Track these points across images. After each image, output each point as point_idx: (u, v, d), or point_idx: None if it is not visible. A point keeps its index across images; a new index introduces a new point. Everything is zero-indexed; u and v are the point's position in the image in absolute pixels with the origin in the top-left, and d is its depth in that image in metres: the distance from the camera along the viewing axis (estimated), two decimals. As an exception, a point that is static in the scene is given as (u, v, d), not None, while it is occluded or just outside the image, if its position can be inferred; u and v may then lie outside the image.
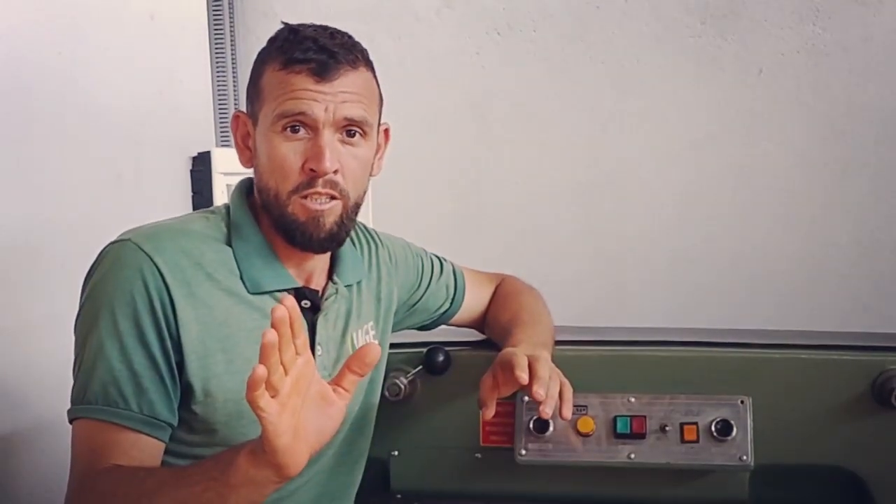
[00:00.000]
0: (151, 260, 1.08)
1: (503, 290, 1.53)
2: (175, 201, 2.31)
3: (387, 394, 1.37)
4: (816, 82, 2.57)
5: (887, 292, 2.56)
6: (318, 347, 1.21)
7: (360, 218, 1.29)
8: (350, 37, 1.18)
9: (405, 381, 1.40)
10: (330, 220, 1.14)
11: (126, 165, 2.04)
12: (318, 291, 1.23)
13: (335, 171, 1.12)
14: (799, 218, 2.62)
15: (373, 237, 1.39)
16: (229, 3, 2.65)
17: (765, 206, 2.62)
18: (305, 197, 1.13)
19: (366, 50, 1.19)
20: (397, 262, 1.40)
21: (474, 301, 1.51)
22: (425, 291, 1.45)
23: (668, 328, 1.60)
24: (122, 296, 1.07)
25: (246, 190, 1.24)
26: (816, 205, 2.60)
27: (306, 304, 1.20)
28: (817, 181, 2.60)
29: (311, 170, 1.12)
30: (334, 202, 1.14)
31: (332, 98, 1.12)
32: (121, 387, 1.06)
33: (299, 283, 1.20)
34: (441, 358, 1.40)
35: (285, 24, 1.18)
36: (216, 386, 1.11)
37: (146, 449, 1.08)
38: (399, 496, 1.47)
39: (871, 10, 2.52)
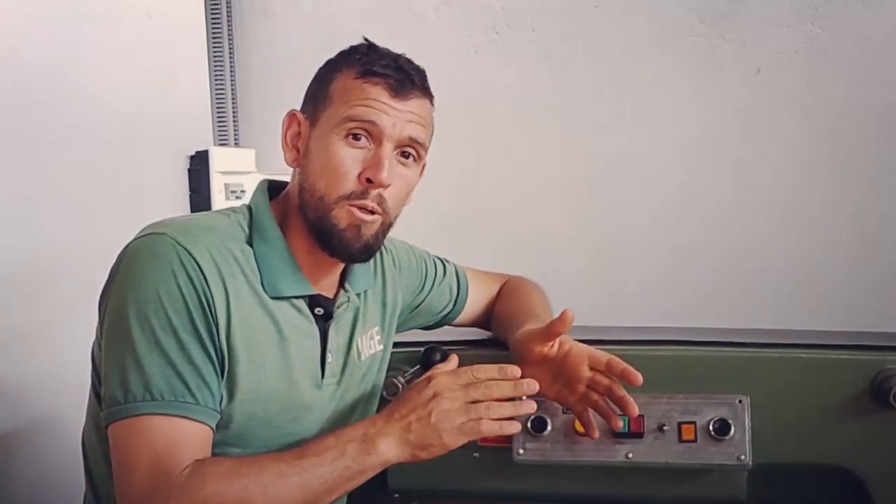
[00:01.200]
0: (190, 254, 1.07)
1: (511, 286, 1.53)
2: (172, 200, 2.31)
3: (384, 393, 1.37)
4: (815, 81, 2.57)
5: (886, 291, 2.56)
6: (328, 355, 1.21)
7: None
8: (423, 68, 1.21)
9: (403, 380, 1.39)
10: (368, 233, 1.15)
11: (123, 164, 2.04)
12: (331, 299, 1.23)
13: (387, 187, 1.14)
14: (798, 216, 2.62)
15: None
16: (227, 2, 2.65)
17: (763, 205, 2.63)
18: (353, 206, 1.13)
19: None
20: (401, 266, 1.41)
21: (478, 301, 1.52)
22: (428, 294, 1.46)
23: (666, 327, 1.60)
24: (169, 290, 1.06)
25: (268, 192, 1.23)
26: (815, 203, 2.60)
27: (319, 311, 1.20)
28: (816, 180, 2.60)
29: (368, 180, 1.12)
30: (376, 217, 1.15)
31: (401, 116, 1.14)
32: (186, 381, 1.05)
33: (315, 291, 1.20)
34: (438, 357, 1.40)
35: (365, 39, 1.20)
36: (235, 384, 1.11)
37: (210, 441, 1.08)
38: (397, 495, 1.47)
39: (869, 9, 2.52)
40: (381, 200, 1.14)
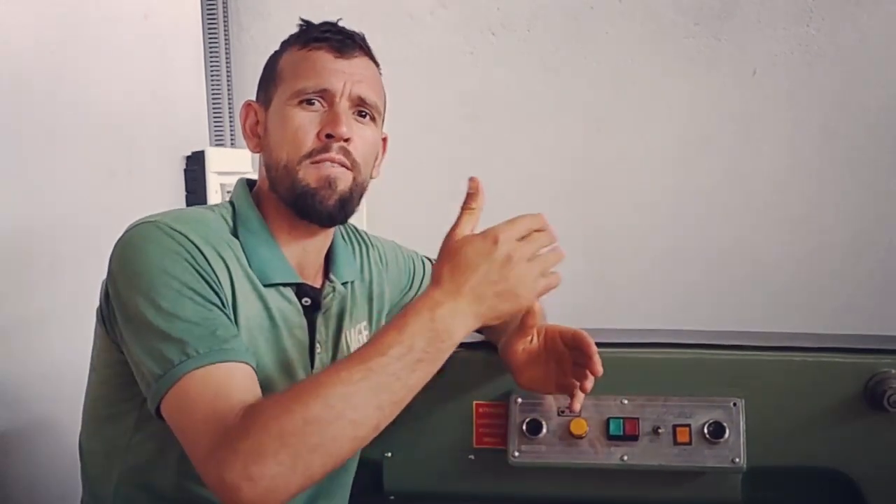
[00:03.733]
0: (186, 237, 1.08)
1: None
2: (169, 200, 2.31)
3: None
4: (810, 83, 2.57)
5: (881, 292, 2.56)
6: (317, 346, 1.22)
7: (354, 218, 1.29)
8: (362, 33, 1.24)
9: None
10: (341, 187, 1.16)
11: (119, 164, 2.04)
12: (318, 289, 1.24)
13: (347, 140, 1.15)
14: (792, 218, 2.62)
15: (363, 238, 1.40)
16: (223, 2, 2.65)
17: (758, 207, 2.63)
18: (318, 162, 1.14)
19: None
20: (388, 262, 1.41)
21: None
22: (417, 292, 1.46)
23: (661, 330, 1.60)
24: (173, 263, 1.05)
25: (248, 186, 1.25)
26: (810, 205, 2.61)
27: (307, 301, 1.21)
28: (810, 181, 2.61)
29: (328, 135, 1.14)
30: (345, 170, 1.16)
31: (349, 75, 1.17)
32: (217, 330, 1.03)
33: (301, 280, 1.21)
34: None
35: (302, 19, 1.24)
36: None
37: (256, 378, 1.05)
38: (392, 497, 1.47)
39: (864, 10, 2.53)
40: (346, 153, 1.16)
